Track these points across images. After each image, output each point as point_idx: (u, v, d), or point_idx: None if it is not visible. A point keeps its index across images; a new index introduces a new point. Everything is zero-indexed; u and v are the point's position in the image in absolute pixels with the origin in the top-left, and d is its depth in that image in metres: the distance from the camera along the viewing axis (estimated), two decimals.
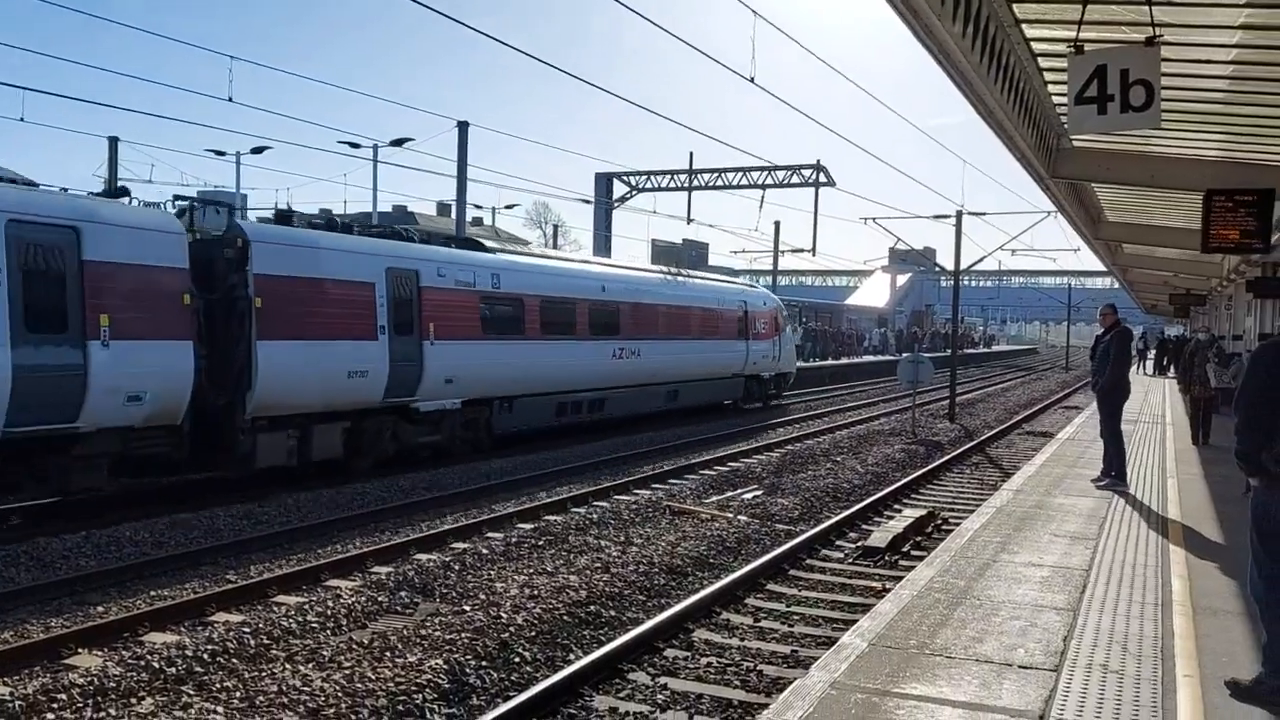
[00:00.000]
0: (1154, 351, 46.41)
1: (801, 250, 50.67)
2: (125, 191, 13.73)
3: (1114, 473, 11.63)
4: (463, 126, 30.41)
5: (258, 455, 13.40)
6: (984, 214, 29.98)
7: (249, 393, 13.07)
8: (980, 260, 31.68)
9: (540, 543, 10.90)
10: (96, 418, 11.36)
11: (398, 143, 34.51)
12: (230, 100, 21.81)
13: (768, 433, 22.42)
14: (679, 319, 23.89)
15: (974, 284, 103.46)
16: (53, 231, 11.17)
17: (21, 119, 40.39)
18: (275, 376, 13.31)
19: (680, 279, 25.70)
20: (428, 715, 6.12)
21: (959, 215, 27.01)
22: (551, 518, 12.38)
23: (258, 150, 38.06)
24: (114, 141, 37.51)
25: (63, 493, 11.79)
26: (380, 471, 15.26)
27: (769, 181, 44.81)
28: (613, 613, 8.39)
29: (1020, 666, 5.32)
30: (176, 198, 14.54)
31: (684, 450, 18.92)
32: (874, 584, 9.44)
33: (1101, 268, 43.41)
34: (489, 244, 20.15)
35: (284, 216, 15.50)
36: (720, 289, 27.68)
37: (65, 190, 12.27)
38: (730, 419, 25.35)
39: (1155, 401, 25.64)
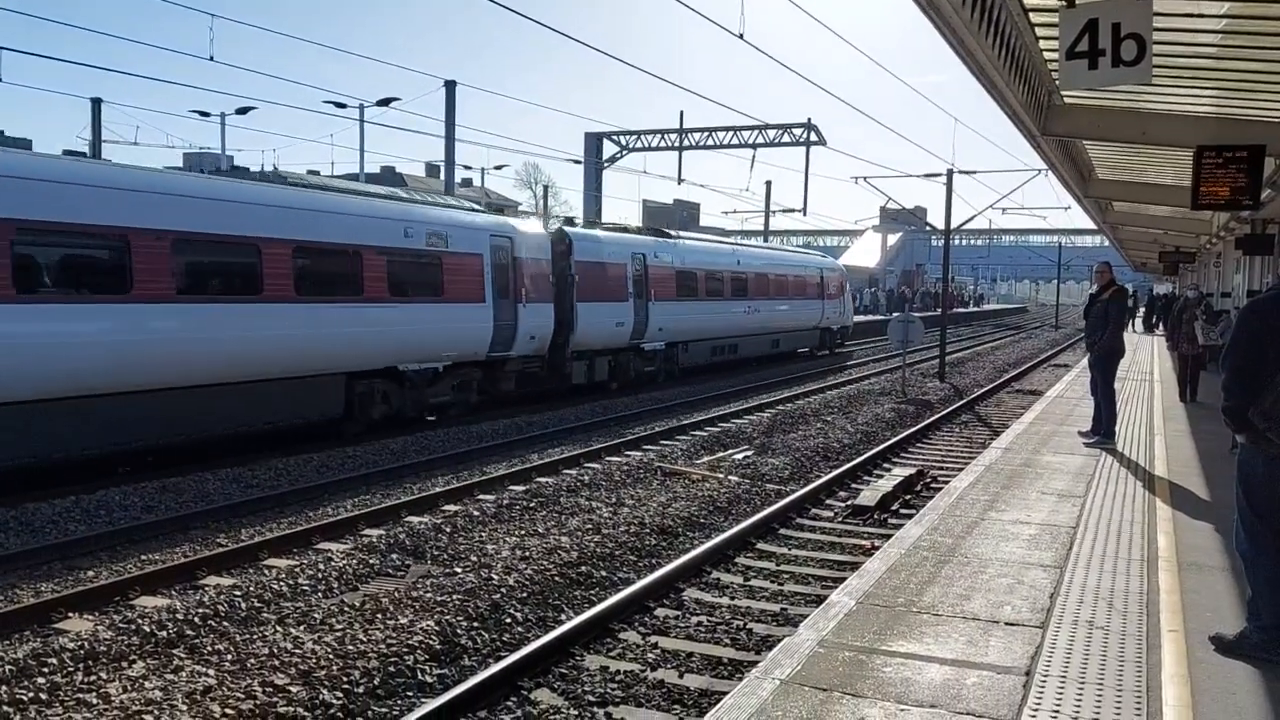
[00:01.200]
0: (1143, 309, 46.48)
1: (793, 210, 50.58)
2: (502, 210, 21.86)
3: (1103, 431, 11.69)
4: (450, 86, 30.13)
5: (573, 376, 20.62)
6: (975, 172, 30.05)
7: (572, 335, 20.31)
8: (971, 219, 31.50)
9: (531, 504, 10.92)
10: (517, 349, 18.61)
11: (384, 102, 34.20)
12: (212, 59, 21.56)
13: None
14: (781, 284, 30.60)
15: (965, 243, 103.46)
16: (503, 239, 18.26)
17: (0, 79, 39.88)
18: (585, 326, 20.62)
19: (781, 252, 34.58)
20: (419, 676, 6.15)
21: (950, 174, 26.88)
22: (543, 479, 12.40)
23: (242, 111, 37.63)
24: (97, 103, 37.15)
25: (496, 393, 18.74)
26: (371, 435, 15.28)
27: (760, 141, 44.58)
28: (604, 573, 8.43)
29: (1007, 623, 5.36)
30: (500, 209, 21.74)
31: (691, 408, 19.21)
32: (863, 542, 9.50)
33: (1092, 226, 43.37)
34: (671, 231, 27.69)
35: (568, 220, 24.10)
36: (805, 259, 34.82)
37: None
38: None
39: (1143, 359, 25.73)
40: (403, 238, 15.73)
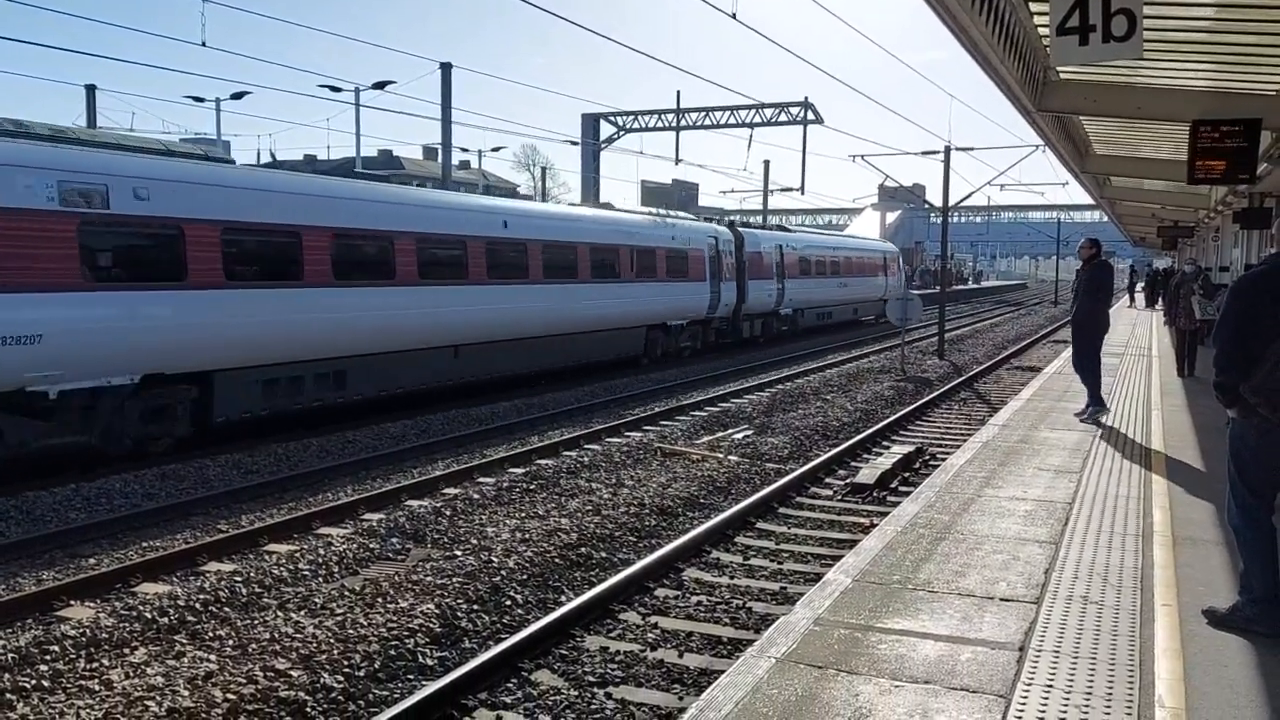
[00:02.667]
0: (1143, 284, 46.34)
1: (790, 189, 50.46)
2: (732, 225, 29.66)
3: (1093, 405, 11.73)
4: (446, 68, 30.01)
5: (743, 332, 28.81)
6: (972, 149, 29.98)
7: (743, 304, 28.29)
8: (969, 196, 31.76)
9: (532, 486, 10.95)
10: (719, 312, 26.92)
11: (379, 85, 33.98)
12: (204, 45, 21.44)
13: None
14: (860, 264, 38.90)
15: (963, 220, 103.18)
16: (712, 239, 26.61)
17: None
18: (753, 297, 28.82)
19: (858, 239, 44.83)
20: (420, 659, 6.19)
21: (947, 151, 26.82)
22: (543, 461, 12.43)
23: (237, 96, 37.42)
24: (91, 89, 36.98)
25: (706, 342, 26.90)
26: (371, 419, 15.30)
27: (757, 120, 44.52)
28: (604, 554, 8.47)
29: (1001, 599, 5.39)
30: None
31: (689, 388, 19.30)
32: (862, 520, 9.54)
33: (1090, 201, 43.25)
34: (790, 228, 37.97)
35: (731, 222, 30.90)
36: (873, 244, 44.54)
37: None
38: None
39: (1142, 334, 25.74)
40: (671, 240, 24.68)
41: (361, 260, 15.42)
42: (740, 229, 29.14)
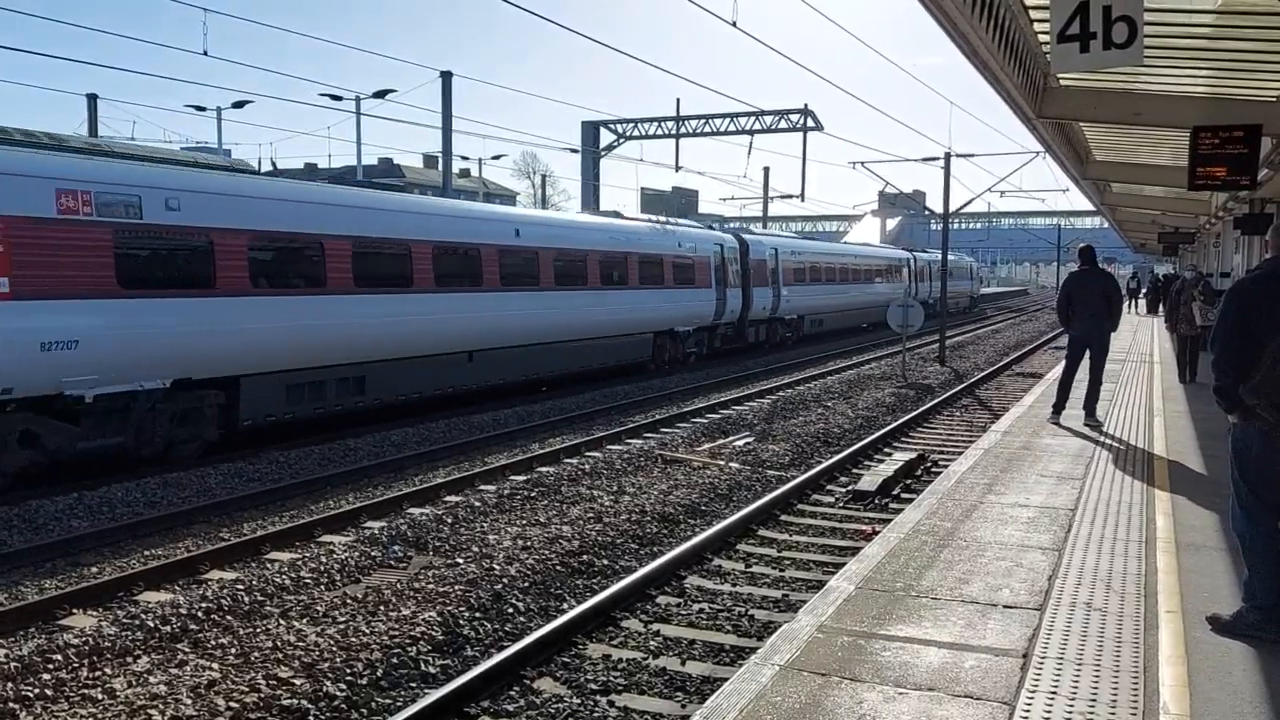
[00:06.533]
0: (1145, 290, 46.31)
1: (790, 196, 50.52)
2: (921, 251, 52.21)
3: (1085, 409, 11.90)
4: (446, 76, 30.07)
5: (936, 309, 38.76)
6: (972, 155, 30.20)
7: (917, 296, 39.41)
8: (969, 202, 31.75)
9: (533, 494, 10.94)
10: (930, 297, 46.11)
11: (380, 94, 34.11)
12: (205, 54, 21.50)
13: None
14: (966, 272, 55.92)
15: (964, 226, 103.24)
16: (905, 261, 47.08)
17: None
18: (921, 293, 45.71)
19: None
20: (422, 667, 6.18)
21: (947, 157, 26.86)
22: (544, 469, 12.42)
23: (239, 105, 37.57)
24: (93, 99, 37.07)
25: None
26: (375, 426, 15.29)
27: (756, 127, 44.49)
28: (605, 562, 8.46)
29: (1005, 606, 5.39)
30: None
31: (691, 395, 19.22)
32: (864, 527, 9.53)
33: (1090, 207, 43.34)
34: (926, 249, 54.21)
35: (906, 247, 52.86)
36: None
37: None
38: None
39: (1143, 340, 25.73)
40: (893, 259, 43.71)
41: (833, 277, 35.11)
42: (915, 252, 48.90)
